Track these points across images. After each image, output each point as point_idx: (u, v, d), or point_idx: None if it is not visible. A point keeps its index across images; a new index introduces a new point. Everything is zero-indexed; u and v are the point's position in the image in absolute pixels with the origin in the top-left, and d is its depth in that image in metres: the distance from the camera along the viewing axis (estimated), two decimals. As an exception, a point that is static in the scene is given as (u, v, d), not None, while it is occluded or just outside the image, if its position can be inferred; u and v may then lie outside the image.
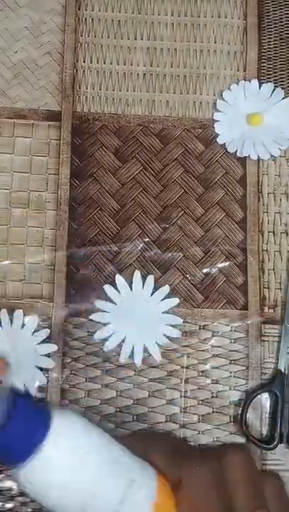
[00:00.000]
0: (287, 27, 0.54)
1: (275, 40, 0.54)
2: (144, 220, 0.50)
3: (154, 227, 0.50)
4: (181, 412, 0.47)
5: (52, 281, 0.49)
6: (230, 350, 0.48)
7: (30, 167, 0.51)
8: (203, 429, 0.47)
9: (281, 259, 0.50)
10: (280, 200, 0.51)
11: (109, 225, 0.50)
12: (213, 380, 0.48)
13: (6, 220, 0.50)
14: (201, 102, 0.53)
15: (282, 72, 0.53)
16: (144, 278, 0.49)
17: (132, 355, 0.47)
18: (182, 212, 0.51)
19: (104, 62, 0.53)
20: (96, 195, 0.51)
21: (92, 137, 0.52)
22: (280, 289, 0.50)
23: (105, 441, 0.30)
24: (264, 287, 0.49)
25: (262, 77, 0.53)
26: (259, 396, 0.47)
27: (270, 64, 0.53)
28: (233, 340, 0.48)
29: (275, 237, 0.50)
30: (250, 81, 0.53)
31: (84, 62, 0.53)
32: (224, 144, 0.52)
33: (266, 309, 0.49)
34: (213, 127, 0.52)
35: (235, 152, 0.51)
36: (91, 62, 0.53)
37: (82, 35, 0.53)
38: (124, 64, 0.53)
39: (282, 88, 0.52)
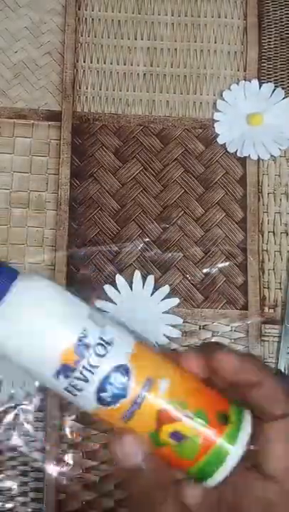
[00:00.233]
0: (287, 27, 0.54)
1: (275, 40, 0.54)
2: (144, 220, 0.50)
3: (154, 227, 0.50)
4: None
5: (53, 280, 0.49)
6: (230, 350, 0.48)
7: (30, 167, 0.51)
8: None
9: (281, 259, 0.50)
10: (280, 200, 0.51)
11: (109, 225, 0.50)
12: (213, 380, 0.48)
13: (6, 220, 0.50)
14: (201, 102, 0.53)
15: (282, 72, 0.53)
16: (144, 278, 0.49)
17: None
18: (182, 212, 0.51)
19: (105, 62, 0.53)
20: (96, 195, 0.51)
21: (92, 137, 0.52)
22: (280, 289, 0.50)
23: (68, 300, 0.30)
24: (264, 287, 0.49)
25: (262, 77, 0.53)
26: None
27: (270, 64, 0.53)
28: (233, 340, 0.48)
29: (275, 237, 0.50)
30: (250, 81, 0.53)
31: (84, 62, 0.53)
32: (224, 143, 0.52)
33: (266, 309, 0.49)
34: (213, 127, 0.52)
35: (235, 152, 0.51)
36: (91, 62, 0.53)
37: (82, 35, 0.53)
38: (125, 64, 0.53)
39: (283, 88, 0.52)
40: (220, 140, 0.52)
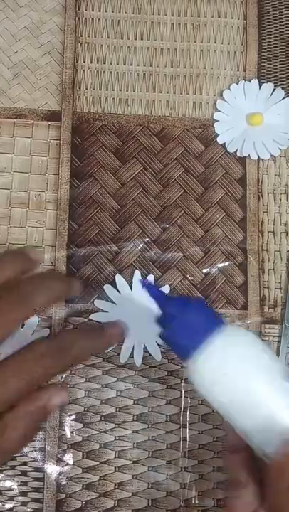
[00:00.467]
0: (287, 27, 0.54)
1: (275, 40, 0.54)
2: (144, 220, 0.50)
3: (154, 227, 0.50)
4: (181, 411, 0.47)
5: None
6: (230, 350, 0.48)
7: (30, 167, 0.51)
8: (204, 429, 0.47)
9: (281, 259, 0.50)
10: (280, 200, 0.51)
11: (109, 225, 0.50)
12: (213, 380, 0.48)
13: (6, 220, 0.50)
14: (201, 102, 0.53)
15: (282, 72, 0.53)
16: (144, 278, 0.49)
17: (132, 356, 0.47)
18: (182, 212, 0.51)
19: (105, 62, 0.53)
20: (96, 195, 0.51)
21: (92, 137, 0.52)
22: (280, 288, 0.50)
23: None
24: (264, 287, 0.49)
25: (262, 77, 0.53)
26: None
27: (270, 64, 0.53)
28: (233, 340, 0.48)
29: (275, 237, 0.50)
30: (250, 81, 0.53)
31: (84, 62, 0.53)
32: (224, 143, 0.52)
33: (266, 309, 0.49)
34: (213, 127, 0.52)
35: (235, 152, 0.51)
36: (91, 62, 0.53)
37: (82, 35, 0.53)
38: (124, 64, 0.53)
39: (282, 88, 0.52)
40: (220, 140, 0.52)
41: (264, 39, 0.54)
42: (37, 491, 0.46)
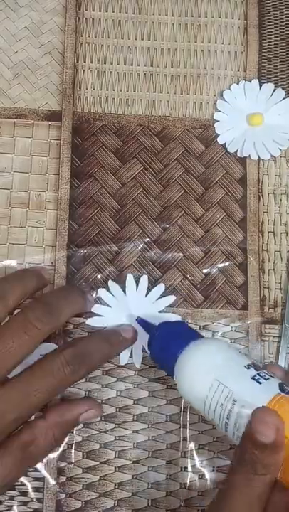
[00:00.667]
0: (287, 27, 0.54)
1: (275, 40, 0.54)
2: (144, 220, 0.50)
3: (154, 227, 0.50)
4: (181, 411, 0.47)
5: (52, 281, 0.49)
6: (230, 350, 0.48)
7: (30, 167, 0.51)
8: (203, 429, 0.47)
9: (281, 259, 0.50)
10: (280, 200, 0.51)
11: (109, 225, 0.50)
12: (213, 380, 0.48)
13: (6, 220, 0.50)
14: (201, 102, 0.53)
15: (282, 72, 0.53)
16: (138, 279, 0.49)
17: (131, 356, 0.47)
18: (182, 212, 0.51)
19: (105, 62, 0.53)
20: (96, 195, 0.51)
21: (92, 137, 0.52)
22: (280, 289, 0.50)
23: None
24: (264, 287, 0.49)
25: (262, 77, 0.53)
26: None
27: (270, 64, 0.53)
28: (233, 341, 0.48)
29: (275, 237, 0.50)
30: (250, 81, 0.53)
31: (84, 62, 0.53)
32: (224, 144, 0.52)
33: (266, 309, 0.49)
34: (214, 127, 0.52)
35: (236, 152, 0.51)
36: (91, 62, 0.53)
37: (82, 35, 0.53)
38: (125, 64, 0.53)
39: (283, 88, 0.52)
40: (220, 140, 0.52)
41: (264, 39, 0.54)
42: (37, 491, 0.46)
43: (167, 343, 0.41)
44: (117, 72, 0.53)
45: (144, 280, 0.49)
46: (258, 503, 0.32)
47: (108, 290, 0.48)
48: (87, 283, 0.49)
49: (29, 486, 0.46)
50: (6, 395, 0.39)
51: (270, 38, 0.54)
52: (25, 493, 0.46)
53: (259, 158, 0.51)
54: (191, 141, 0.52)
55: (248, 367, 0.37)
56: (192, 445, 0.46)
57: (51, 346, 0.47)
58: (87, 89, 0.52)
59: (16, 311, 0.43)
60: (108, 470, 0.46)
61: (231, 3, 0.54)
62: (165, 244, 0.50)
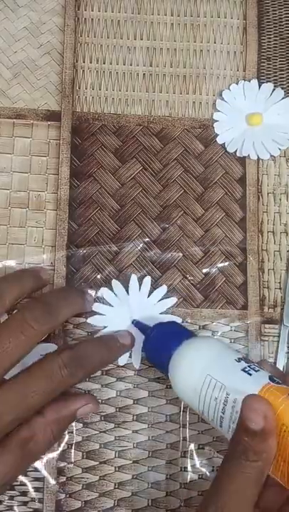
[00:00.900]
0: (287, 27, 0.54)
1: (275, 40, 0.54)
2: (144, 220, 0.50)
3: (153, 227, 0.50)
4: (180, 411, 0.47)
5: (51, 282, 0.49)
6: (230, 350, 0.48)
7: (29, 167, 0.51)
8: (203, 429, 0.47)
9: (281, 258, 0.50)
10: (280, 199, 0.51)
11: (108, 224, 0.50)
12: (212, 379, 0.48)
13: (5, 220, 0.50)
14: (200, 102, 0.53)
15: (282, 72, 0.53)
16: (141, 279, 0.49)
17: (130, 357, 0.47)
18: (182, 212, 0.51)
19: (104, 62, 0.53)
20: (96, 195, 0.51)
21: (92, 137, 0.52)
22: (280, 288, 0.50)
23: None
24: (264, 287, 0.50)
25: (262, 77, 0.53)
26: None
27: (269, 64, 0.53)
28: (232, 340, 0.48)
29: (274, 237, 0.50)
30: (249, 81, 0.53)
31: (84, 62, 0.53)
32: (224, 143, 0.52)
33: (266, 309, 0.49)
34: (213, 127, 0.52)
35: (235, 152, 0.51)
36: (91, 62, 0.53)
37: (81, 35, 0.53)
38: (124, 64, 0.53)
39: (282, 88, 0.52)
40: (219, 140, 0.52)
41: (264, 39, 0.54)
42: (37, 491, 0.46)
43: (161, 344, 0.42)
44: (117, 72, 0.53)
45: (148, 281, 0.49)
46: (251, 491, 0.32)
47: (111, 289, 0.48)
48: (86, 283, 0.49)
49: (29, 486, 0.46)
50: (3, 397, 0.39)
51: (270, 38, 0.54)
52: (25, 493, 0.46)
53: (258, 158, 0.51)
54: (191, 141, 0.52)
55: (239, 360, 0.37)
56: (192, 445, 0.46)
57: (51, 346, 0.47)
58: (86, 89, 0.52)
59: (15, 312, 0.43)
60: (108, 470, 0.46)
61: (230, 3, 0.54)
62: (165, 244, 0.50)
